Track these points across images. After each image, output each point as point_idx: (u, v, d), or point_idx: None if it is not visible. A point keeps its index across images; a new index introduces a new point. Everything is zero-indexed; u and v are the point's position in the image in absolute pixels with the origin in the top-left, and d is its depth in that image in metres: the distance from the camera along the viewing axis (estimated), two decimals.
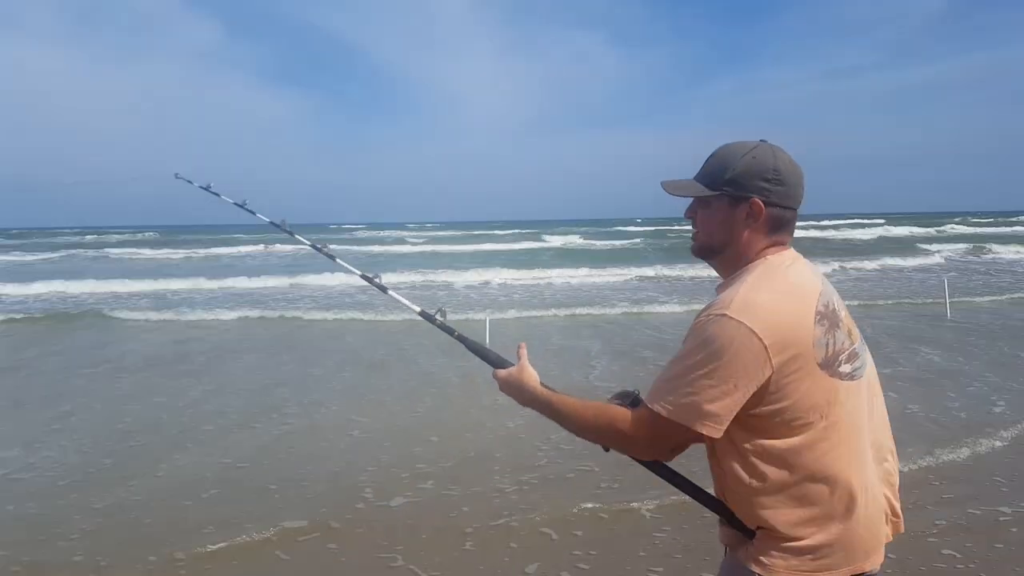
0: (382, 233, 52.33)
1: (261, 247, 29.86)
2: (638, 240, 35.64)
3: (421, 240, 39.04)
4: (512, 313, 11.00)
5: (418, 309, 1.70)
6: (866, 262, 19.30)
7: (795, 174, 1.30)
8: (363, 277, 1.80)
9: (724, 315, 1.18)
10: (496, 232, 46.13)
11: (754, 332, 1.16)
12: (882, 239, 33.01)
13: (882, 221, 53.39)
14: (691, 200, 1.36)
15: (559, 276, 16.92)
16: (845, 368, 1.23)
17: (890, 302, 11.53)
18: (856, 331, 1.29)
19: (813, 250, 24.02)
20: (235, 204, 2.13)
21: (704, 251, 1.37)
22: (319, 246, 1.90)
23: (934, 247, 25.14)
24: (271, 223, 2.05)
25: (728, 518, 1.30)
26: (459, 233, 47.88)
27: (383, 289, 1.77)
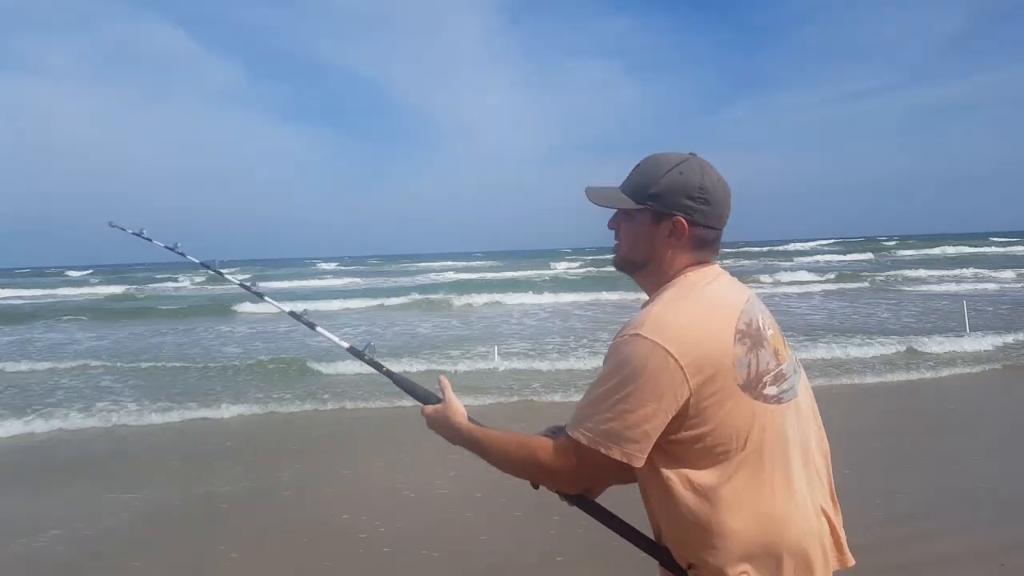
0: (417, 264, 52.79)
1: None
2: None
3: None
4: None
5: (346, 345, 1.73)
6: None
7: (722, 193, 1.30)
8: (291, 314, 1.85)
9: (638, 335, 1.18)
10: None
11: (669, 352, 1.15)
12: None
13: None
14: (615, 210, 1.36)
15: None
16: (770, 390, 1.21)
17: None
18: (786, 351, 1.28)
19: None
20: (166, 248, 2.21)
21: (625, 265, 1.37)
22: (246, 284, 1.96)
23: None
24: (202, 264, 2.16)
25: (661, 558, 1.29)
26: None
27: (311, 325, 1.81)
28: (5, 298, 28.34)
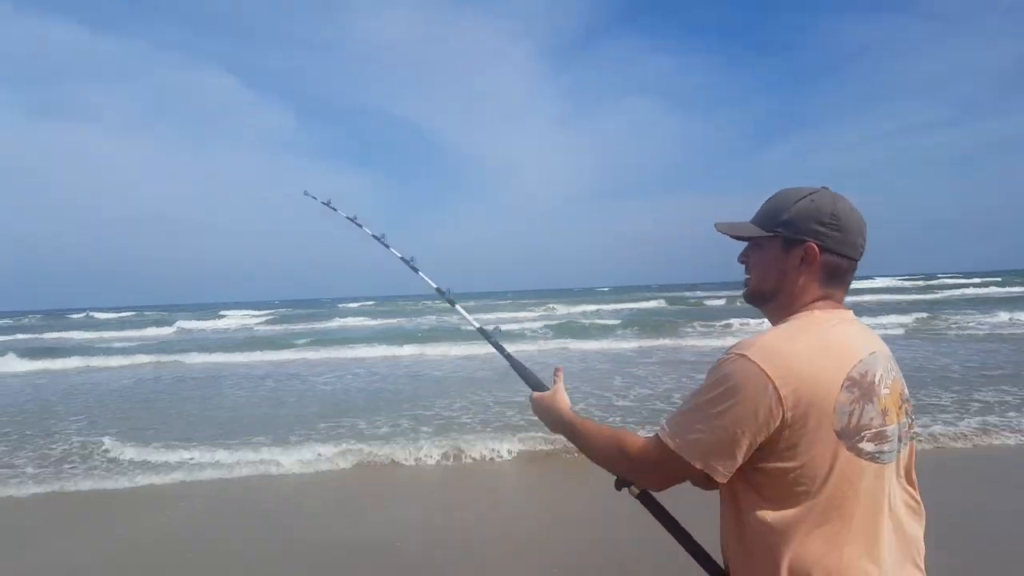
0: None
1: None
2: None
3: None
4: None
5: (477, 325, 1.91)
6: None
7: (856, 222, 1.29)
8: (438, 290, 2.03)
9: (743, 356, 1.19)
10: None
11: (770, 379, 1.15)
12: None
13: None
14: (746, 244, 1.37)
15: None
16: (867, 446, 1.19)
17: None
18: (897, 416, 1.24)
19: None
20: (348, 218, 2.31)
21: (754, 297, 1.37)
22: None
23: None
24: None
25: None
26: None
27: (451, 303, 2.01)
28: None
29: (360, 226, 2.31)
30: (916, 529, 1.28)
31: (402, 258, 2.15)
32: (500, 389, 10.23)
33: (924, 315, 21.43)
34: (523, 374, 1.75)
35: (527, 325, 23.58)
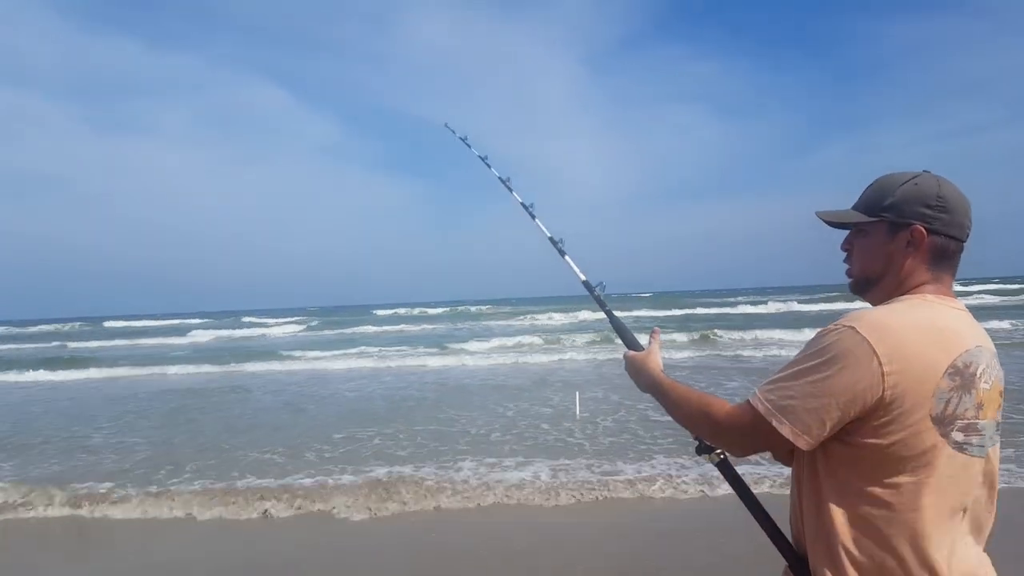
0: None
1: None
2: None
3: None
4: None
5: (583, 278, 1.96)
6: None
7: (961, 203, 1.28)
8: (550, 239, 2.08)
9: (851, 327, 1.18)
10: None
11: (875, 353, 1.15)
12: None
13: None
14: (847, 232, 1.37)
15: None
16: (957, 436, 1.18)
17: None
18: (992, 414, 1.24)
19: None
20: (480, 157, 2.45)
21: (859, 285, 1.37)
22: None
23: None
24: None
25: (793, 563, 1.31)
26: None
27: (562, 253, 2.05)
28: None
29: (489, 167, 2.44)
30: (986, 530, 1.28)
31: (522, 203, 2.26)
32: (526, 400, 10.23)
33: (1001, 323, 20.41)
34: (621, 332, 1.80)
35: (564, 336, 23.48)
